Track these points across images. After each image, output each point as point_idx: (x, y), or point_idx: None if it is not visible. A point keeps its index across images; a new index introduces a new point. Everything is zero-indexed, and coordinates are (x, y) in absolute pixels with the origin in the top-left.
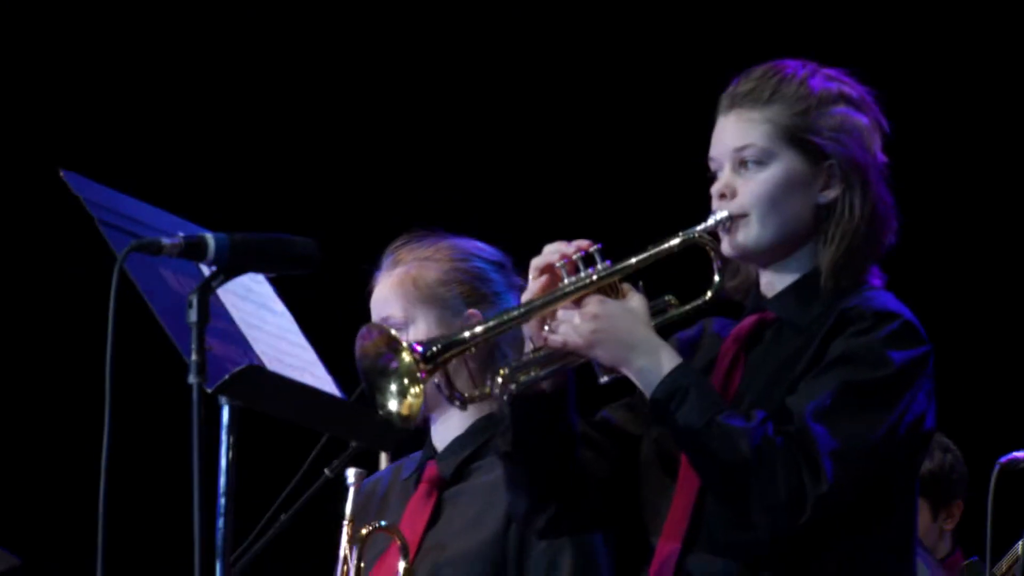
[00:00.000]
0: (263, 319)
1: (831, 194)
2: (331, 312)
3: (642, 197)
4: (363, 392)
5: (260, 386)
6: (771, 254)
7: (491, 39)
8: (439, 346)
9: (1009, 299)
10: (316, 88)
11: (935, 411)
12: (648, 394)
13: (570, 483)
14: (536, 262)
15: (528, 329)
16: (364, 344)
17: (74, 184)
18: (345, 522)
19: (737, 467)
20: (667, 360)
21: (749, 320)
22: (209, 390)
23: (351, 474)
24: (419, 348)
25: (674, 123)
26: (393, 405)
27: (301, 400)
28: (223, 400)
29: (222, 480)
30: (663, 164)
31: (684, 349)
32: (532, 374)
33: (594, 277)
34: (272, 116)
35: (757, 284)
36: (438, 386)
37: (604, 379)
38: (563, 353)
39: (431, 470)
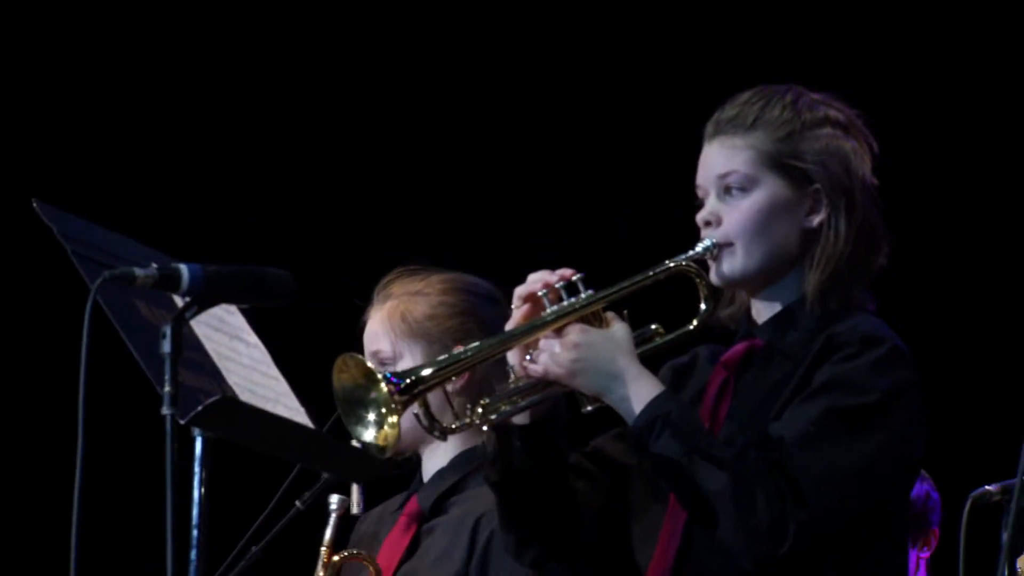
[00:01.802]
0: (236, 350)
1: (817, 219)
2: (304, 343)
3: (629, 226)
4: (336, 423)
5: (233, 417)
6: (759, 281)
7: (479, 67)
8: (414, 377)
9: (988, 330)
10: (292, 119)
11: (923, 440)
12: (628, 422)
13: (562, 514)
14: (519, 291)
15: (511, 358)
16: (341, 376)
17: (47, 215)
18: (323, 547)
19: (718, 495)
20: (648, 389)
21: (739, 347)
22: (182, 421)
23: (334, 501)
24: (394, 379)
25: (662, 149)
26: (370, 435)
27: (274, 431)
28: (196, 431)
29: (195, 512)
30: (651, 191)
31: (677, 376)
32: (513, 404)
33: (576, 306)
34: (247, 148)
35: (748, 310)
36: (417, 416)
37: (588, 408)
38: (545, 383)
39: (412, 504)
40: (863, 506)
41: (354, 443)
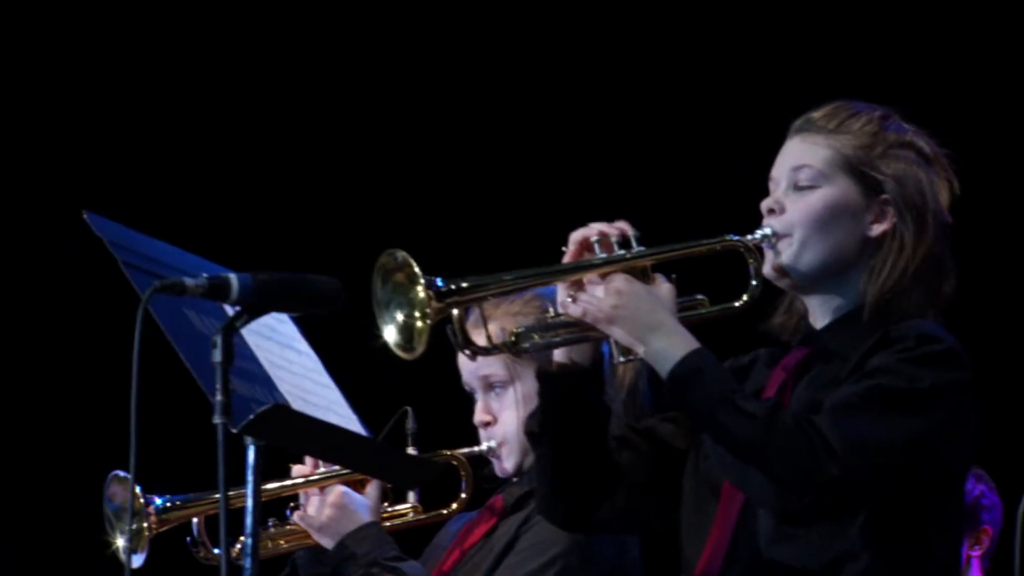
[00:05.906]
0: (287, 359)
1: (880, 228)
2: (356, 350)
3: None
4: (389, 431)
5: (285, 426)
6: (811, 280)
7: (519, 74)
8: (455, 286)
9: None
10: (345, 131)
11: (970, 443)
12: (664, 375)
13: (598, 477)
14: (574, 235)
15: (558, 295)
16: (382, 263)
17: (97, 226)
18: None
19: (750, 444)
20: (686, 343)
21: (799, 351)
22: (234, 430)
23: None
24: (438, 283)
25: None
26: (391, 333)
27: (326, 439)
28: (248, 440)
29: (248, 520)
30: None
31: (735, 375)
32: (547, 339)
33: (626, 256)
34: (299, 156)
35: (806, 316)
36: (450, 331)
37: (619, 360)
38: (582, 325)
39: (497, 500)
40: (891, 486)
41: (408, 451)
